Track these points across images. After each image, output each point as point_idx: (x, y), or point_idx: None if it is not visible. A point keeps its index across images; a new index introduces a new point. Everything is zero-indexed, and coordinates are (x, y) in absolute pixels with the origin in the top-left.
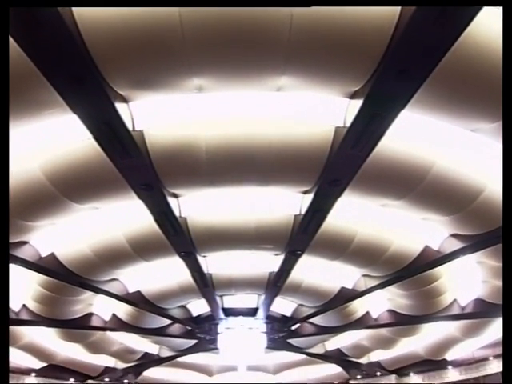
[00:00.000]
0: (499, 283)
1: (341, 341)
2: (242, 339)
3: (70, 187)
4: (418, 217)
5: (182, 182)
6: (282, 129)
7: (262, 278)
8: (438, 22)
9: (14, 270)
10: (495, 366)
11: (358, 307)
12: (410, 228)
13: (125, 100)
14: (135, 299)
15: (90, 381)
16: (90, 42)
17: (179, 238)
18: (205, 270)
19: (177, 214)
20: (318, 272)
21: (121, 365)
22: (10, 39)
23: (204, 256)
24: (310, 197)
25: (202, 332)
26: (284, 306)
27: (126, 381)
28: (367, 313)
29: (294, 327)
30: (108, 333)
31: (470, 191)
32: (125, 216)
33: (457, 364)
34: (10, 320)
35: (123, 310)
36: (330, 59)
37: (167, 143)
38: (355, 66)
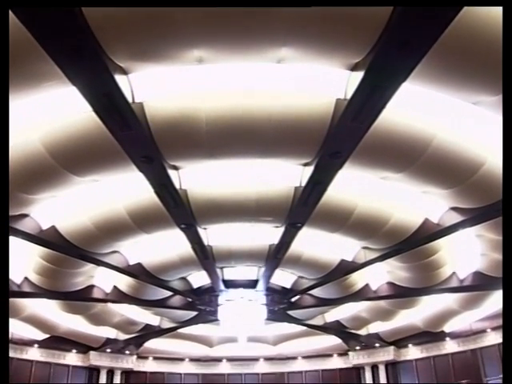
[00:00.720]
0: (498, 256)
1: (340, 312)
2: (242, 311)
3: (70, 160)
4: (418, 190)
5: (182, 154)
6: (282, 101)
7: (262, 251)
8: None
9: (15, 242)
10: (492, 338)
11: (358, 279)
12: (410, 201)
13: (124, 72)
14: (136, 271)
15: (91, 352)
16: (88, 13)
17: (179, 210)
18: (205, 242)
19: (177, 186)
20: (318, 244)
21: (122, 336)
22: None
23: (204, 228)
24: (310, 169)
25: (202, 304)
26: (284, 277)
27: (127, 352)
28: (367, 285)
29: (293, 299)
30: (109, 304)
31: (470, 164)
32: (125, 188)
33: (455, 336)
34: (12, 292)
35: (124, 282)
36: (331, 30)
37: (167, 115)
38: (356, 38)
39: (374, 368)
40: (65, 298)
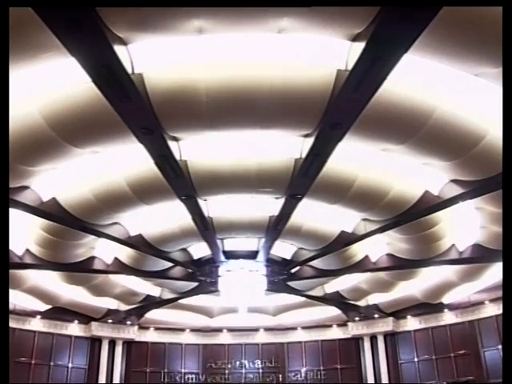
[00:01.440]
0: (497, 229)
1: (340, 284)
2: (242, 282)
3: (70, 131)
4: (419, 162)
5: (182, 125)
6: (282, 71)
7: (263, 222)
8: None
9: (16, 214)
10: (490, 310)
11: (358, 251)
12: (411, 173)
13: (124, 42)
14: (137, 242)
15: (93, 322)
16: None
17: (180, 182)
18: (205, 214)
19: (177, 157)
20: (318, 216)
21: (123, 307)
22: None
23: (204, 199)
24: (310, 140)
25: (202, 274)
26: (284, 249)
27: (128, 322)
28: (366, 256)
29: (293, 270)
30: (110, 276)
31: (471, 137)
32: (125, 160)
33: (453, 307)
34: (14, 264)
35: (125, 253)
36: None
37: (167, 86)
38: (358, 8)
39: (373, 339)
40: (66, 269)
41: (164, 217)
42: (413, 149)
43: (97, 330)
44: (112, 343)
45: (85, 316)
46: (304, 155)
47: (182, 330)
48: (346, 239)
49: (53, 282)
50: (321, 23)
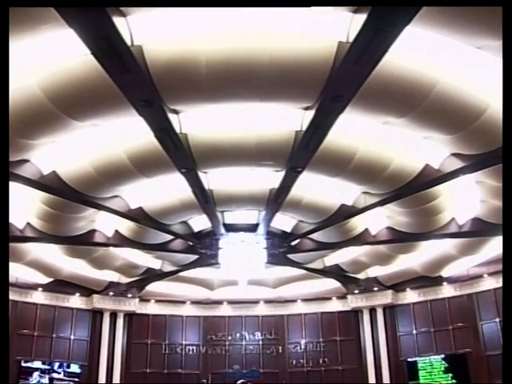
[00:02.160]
0: (498, 203)
1: (340, 256)
2: (242, 254)
3: (69, 104)
4: (420, 135)
5: (182, 98)
6: (283, 43)
7: (263, 195)
8: None
9: (17, 188)
10: (489, 283)
11: (358, 224)
12: (411, 146)
13: (123, 14)
14: (137, 215)
15: (94, 295)
16: None
17: (180, 155)
18: (205, 186)
19: (177, 130)
20: (319, 189)
21: (124, 279)
22: None
23: (205, 172)
24: (311, 113)
25: (203, 247)
26: (284, 221)
27: (129, 295)
28: (366, 229)
29: (293, 243)
30: (111, 249)
31: (473, 110)
32: (125, 133)
33: (452, 280)
34: (15, 237)
35: (125, 226)
36: None
37: (167, 58)
38: None
39: (372, 311)
40: (67, 242)
41: (164, 190)
42: (414, 122)
43: (98, 302)
44: (113, 315)
45: (86, 289)
46: (304, 128)
47: (183, 302)
48: (346, 212)
49: (54, 255)
50: None
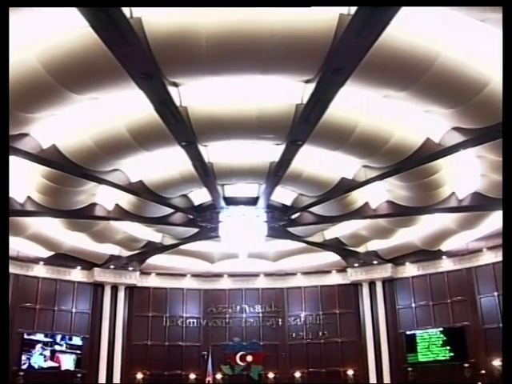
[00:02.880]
0: (498, 177)
1: (339, 230)
2: (242, 227)
3: (68, 77)
4: (421, 109)
5: (182, 71)
6: (284, 15)
7: (263, 168)
8: None
9: (17, 162)
10: (487, 258)
11: (358, 198)
12: (412, 120)
13: None
14: (137, 189)
15: (95, 268)
16: None
17: (180, 128)
18: (206, 159)
19: (177, 103)
20: (319, 162)
21: (125, 253)
22: None
23: (205, 145)
24: (312, 86)
25: (203, 220)
26: (284, 195)
27: (130, 268)
28: (366, 203)
29: (293, 216)
30: (112, 222)
31: (474, 84)
32: (125, 106)
33: (451, 254)
34: (15, 211)
35: (126, 200)
36: None
37: (167, 30)
38: None
39: (372, 284)
40: (67, 216)
41: (164, 163)
42: (415, 95)
43: (99, 275)
44: (114, 288)
45: (87, 262)
46: (305, 101)
47: (183, 275)
48: (347, 186)
49: (55, 228)
50: None
